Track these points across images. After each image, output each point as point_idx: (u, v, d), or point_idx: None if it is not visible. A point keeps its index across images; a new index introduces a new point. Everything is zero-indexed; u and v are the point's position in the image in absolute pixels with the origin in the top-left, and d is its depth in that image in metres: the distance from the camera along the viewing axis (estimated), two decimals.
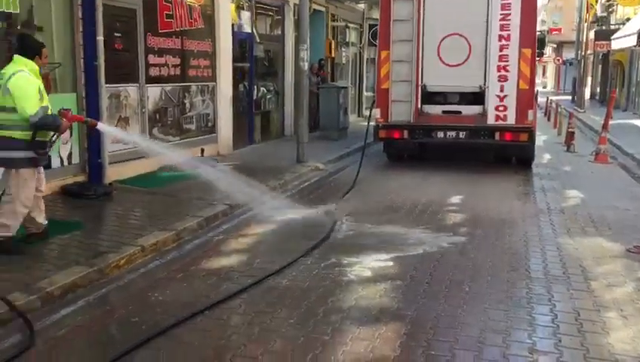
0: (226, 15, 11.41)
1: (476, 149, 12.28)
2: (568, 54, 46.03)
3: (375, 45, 21.52)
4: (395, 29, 10.54)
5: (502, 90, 10.26)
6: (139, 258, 5.60)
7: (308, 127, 11.18)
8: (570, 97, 35.15)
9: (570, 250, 5.98)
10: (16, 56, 5.24)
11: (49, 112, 5.29)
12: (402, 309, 4.46)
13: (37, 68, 5.25)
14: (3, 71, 5.21)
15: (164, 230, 6.28)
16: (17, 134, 5.12)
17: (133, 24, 8.95)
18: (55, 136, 5.47)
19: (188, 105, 10.49)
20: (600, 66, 35.87)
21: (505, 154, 11.40)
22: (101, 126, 6.56)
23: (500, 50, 10.21)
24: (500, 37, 10.20)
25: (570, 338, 3.98)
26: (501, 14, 10.16)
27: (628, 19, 24.15)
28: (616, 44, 20.88)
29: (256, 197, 8.09)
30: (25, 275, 4.81)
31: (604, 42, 24.78)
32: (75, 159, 7.93)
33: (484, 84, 10.32)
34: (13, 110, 5.06)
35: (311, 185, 9.43)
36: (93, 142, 7.90)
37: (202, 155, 10.29)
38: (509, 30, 10.15)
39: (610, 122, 15.00)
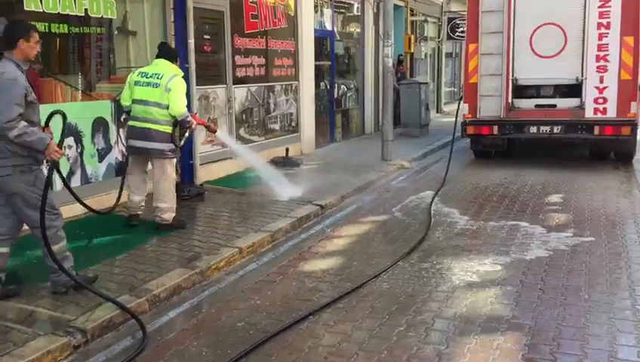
0: (309, 13, 11.36)
1: (568, 145, 11.71)
2: None
3: (454, 39, 21.24)
4: (484, 20, 10.13)
5: (601, 82, 9.67)
6: (237, 260, 5.58)
7: (385, 124, 10.93)
8: None
9: None
10: (163, 61, 6.14)
11: None
12: (518, 318, 4.19)
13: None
14: (156, 71, 6.03)
15: (259, 231, 6.25)
16: (170, 129, 6.04)
17: (221, 26, 9.02)
18: (189, 133, 6.37)
19: (272, 104, 10.50)
20: None
21: (602, 149, 10.76)
22: (220, 133, 7.32)
23: (599, 39, 9.62)
24: (599, 25, 9.60)
25: None
26: (600, 1, 9.56)
27: None
28: None
29: (346, 197, 8.02)
30: (129, 277, 4.87)
31: None
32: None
33: (582, 76, 9.75)
34: (167, 107, 5.94)
35: (399, 184, 9.21)
36: (185, 144, 7.97)
37: (287, 155, 10.27)
38: (608, 17, 9.54)
39: None
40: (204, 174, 8.32)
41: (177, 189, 7.54)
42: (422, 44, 19.35)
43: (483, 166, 10.60)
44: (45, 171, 4.40)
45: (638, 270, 5.10)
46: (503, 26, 10.00)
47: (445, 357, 3.66)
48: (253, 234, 6.13)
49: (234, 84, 9.30)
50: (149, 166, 6.30)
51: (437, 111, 20.30)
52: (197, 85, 8.05)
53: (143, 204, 6.38)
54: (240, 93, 9.52)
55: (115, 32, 7.39)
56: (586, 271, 5.16)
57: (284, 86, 10.83)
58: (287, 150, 10.30)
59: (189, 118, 6.12)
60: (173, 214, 6.22)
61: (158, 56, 6.24)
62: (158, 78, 5.96)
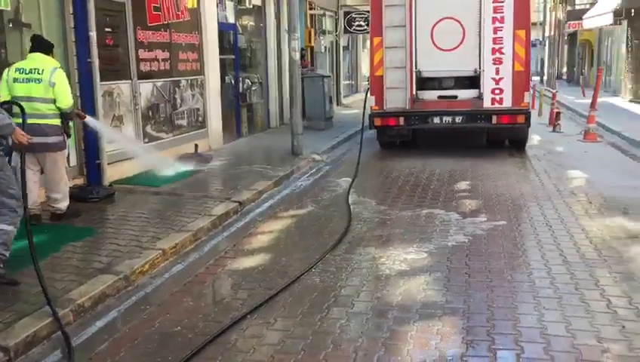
0: (211, 6, 11.10)
1: (467, 133, 12.29)
2: (533, 35, 46.56)
3: (351, 32, 21.62)
4: (387, 14, 10.39)
5: (497, 73, 10.23)
6: (161, 262, 5.37)
7: (294, 117, 10.91)
8: (538, 78, 35.60)
9: (596, 232, 5.94)
10: (39, 54, 5.94)
11: None
12: (452, 302, 4.34)
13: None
14: (35, 66, 5.84)
15: (180, 231, 6.05)
16: (58, 122, 6.00)
17: (123, 18, 8.61)
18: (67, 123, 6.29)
19: (179, 100, 10.19)
20: (566, 46, 36.43)
21: (499, 137, 11.38)
22: (89, 120, 7.01)
23: (494, 33, 10.16)
24: (494, 19, 10.14)
25: (633, 323, 3.92)
26: None
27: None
28: (589, 23, 21.13)
29: (263, 193, 7.94)
30: (49, 287, 4.52)
31: (575, 22, 25.08)
32: (72, 161, 7.58)
33: (480, 68, 10.26)
34: (53, 101, 5.88)
35: (313, 177, 9.25)
36: (90, 142, 7.56)
37: (196, 151, 10.02)
38: (502, 12, 10.10)
39: (590, 100, 15.20)
40: (112, 174, 7.92)
41: (84, 191, 7.22)
42: (321, 37, 19.51)
43: (391, 156, 10.88)
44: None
45: (550, 250, 5.44)
46: (406, 20, 10.30)
47: (391, 346, 3.71)
48: (174, 235, 5.92)
49: (139, 79, 8.92)
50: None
51: (337, 104, 20.58)
52: (100, 81, 7.64)
53: (38, 203, 6.20)
54: (145, 88, 9.14)
55: (10, 25, 6.83)
56: (505, 253, 5.44)
57: (189, 80, 10.53)
58: (196, 146, 10.06)
59: (74, 110, 6.26)
60: (67, 203, 6.29)
61: (32, 50, 6.00)
62: (38, 73, 5.82)
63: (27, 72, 5.81)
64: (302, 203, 7.60)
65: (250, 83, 13.79)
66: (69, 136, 6.32)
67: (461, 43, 10.30)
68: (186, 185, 8.10)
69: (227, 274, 5.14)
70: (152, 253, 5.36)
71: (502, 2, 10.09)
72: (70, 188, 7.19)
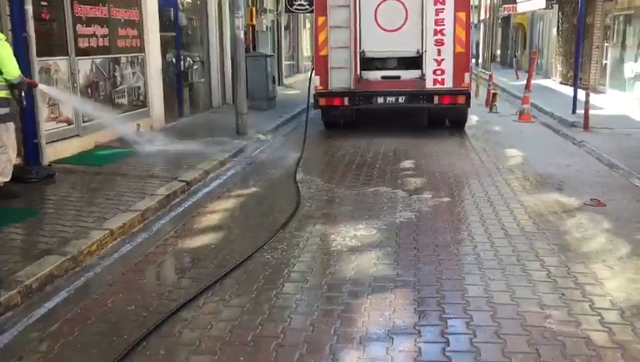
0: None
1: (409, 113, 12.52)
2: None
3: (292, 12, 21.47)
4: None
5: (439, 54, 10.45)
6: (109, 242, 5.28)
7: (238, 96, 10.81)
8: (473, 60, 36.45)
9: (534, 207, 6.23)
10: None
11: None
12: (403, 276, 4.47)
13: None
14: None
15: (127, 211, 5.94)
16: (3, 93, 5.98)
17: None
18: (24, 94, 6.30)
19: (119, 78, 9.90)
20: (500, 29, 37.41)
21: (440, 117, 11.66)
22: (43, 87, 7.08)
23: (436, 15, 10.36)
24: (436, 1, 10.33)
25: (571, 291, 4.16)
26: None
27: None
28: (523, 7, 21.80)
29: (210, 172, 7.89)
30: None
31: (510, 5, 25.81)
32: None
33: (422, 49, 10.46)
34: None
35: (260, 156, 9.24)
36: (28, 120, 7.27)
37: (138, 130, 9.80)
38: None
39: (523, 83, 15.74)
40: (51, 153, 7.63)
41: (22, 172, 6.96)
42: (262, 16, 19.31)
43: (335, 136, 10.97)
44: None
45: (492, 224, 5.67)
46: (350, 0, 10.34)
47: (347, 319, 3.81)
48: (121, 215, 5.81)
49: (77, 55, 8.61)
50: None
51: (279, 84, 20.49)
52: (37, 57, 7.33)
53: None
54: (84, 65, 8.84)
55: None
56: (450, 228, 5.64)
57: (129, 58, 10.23)
58: (138, 126, 9.84)
59: (23, 80, 6.20)
60: (5, 179, 6.15)
61: None
62: None
63: None
64: (249, 182, 7.60)
65: (191, 62, 13.55)
66: (22, 107, 6.26)
67: (404, 24, 10.45)
68: (130, 165, 7.95)
69: (178, 254, 5.11)
70: (100, 234, 5.26)
71: None
72: None
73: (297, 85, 21.81)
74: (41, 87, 7.06)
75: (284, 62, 22.46)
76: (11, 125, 6.20)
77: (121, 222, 5.62)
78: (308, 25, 26.80)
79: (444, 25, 10.37)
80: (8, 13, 7.10)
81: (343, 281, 4.39)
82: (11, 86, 6.05)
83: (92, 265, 4.83)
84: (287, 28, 23.45)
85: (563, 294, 4.10)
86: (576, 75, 13.76)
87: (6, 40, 6.06)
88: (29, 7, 7.09)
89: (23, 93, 6.26)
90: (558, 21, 22.00)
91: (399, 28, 10.45)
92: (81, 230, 5.31)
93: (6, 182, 6.18)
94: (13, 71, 6.00)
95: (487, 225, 5.64)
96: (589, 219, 5.83)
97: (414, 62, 10.59)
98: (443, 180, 7.51)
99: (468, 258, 4.83)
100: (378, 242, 5.24)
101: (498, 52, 38.15)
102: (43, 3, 7.94)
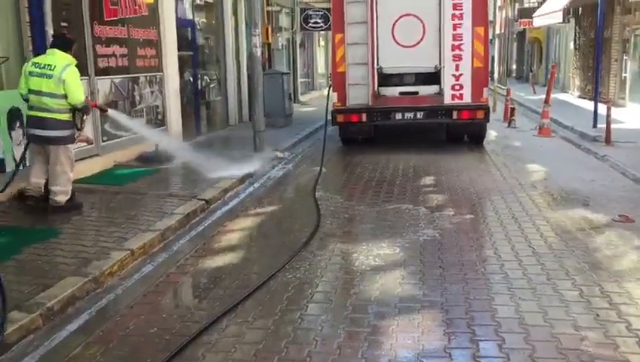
0: (170, 1, 10.87)
1: (427, 129, 12.44)
2: None
3: (307, 30, 21.59)
4: (349, 11, 10.40)
5: (457, 70, 10.37)
6: (129, 263, 5.22)
7: (256, 115, 10.78)
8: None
9: (560, 224, 6.09)
10: (56, 50, 6.21)
11: None
12: (429, 296, 4.36)
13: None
14: (49, 62, 6.10)
15: (147, 231, 5.90)
16: (65, 116, 6.22)
17: (79, 13, 8.33)
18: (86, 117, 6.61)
19: (137, 97, 9.93)
20: (515, 44, 37.32)
21: (458, 132, 11.55)
22: (112, 112, 7.67)
23: (454, 30, 10.30)
24: (454, 16, 10.27)
25: (606, 311, 4.02)
26: None
27: None
28: (539, 21, 21.70)
29: (229, 190, 7.84)
30: (14, 291, 4.33)
31: (526, 20, 25.72)
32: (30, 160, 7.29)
33: (440, 64, 10.39)
34: (64, 97, 6.10)
35: (278, 174, 9.18)
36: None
37: (157, 150, 9.80)
38: (461, 9, 10.24)
39: (540, 97, 15.61)
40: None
41: (45, 191, 6.96)
42: (278, 35, 19.41)
43: (353, 152, 10.90)
44: None
45: (519, 242, 5.54)
46: (367, 17, 10.33)
47: (374, 342, 3.70)
48: (142, 235, 5.76)
49: (96, 75, 8.64)
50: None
51: (294, 101, 20.52)
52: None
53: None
54: (103, 85, 8.87)
55: None
56: (475, 246, 5.52)
57: (148, 77, 10.28)
58: (156, 145, 9.82)
59: (88, 104, 6.46)
60: (67, 197, 6.41)
61: (51, 46, 6.35)
62: (50, 69, 6.07)
63: (41, 66, 6.09)
64: (269, 200, 7.54)
65: (208, 80, 13.61)
66: (79, 129, 6.48)
67: (421, 40, 10.41)
68: (149, 184, 7.93)
69: (199, 274, 5.04)
70: (120, 254, 5.21)
71: (461, 0, 10.23)
72: (27, 188, 6.95)
73: (313, 102, 21.84)
74: (112, 113, 7.65)
75: (300, 80, 22.51)
76: (71, 146, 6.44)
77: (142, 242, 5.57)
78: (322, 42, 26.91)
79: (462, 40, 10.30)
80: (29, 35, 7.16)
81: (368, 302, 4.28)
82: (75, 109, 6.25)
83: (113, 286, 4.77)
84: (302, 45, 23.55)
85: (597, 315, 3.97)
86: (596, 89, 13.59)
87: (75, 65, 6.25)
88: (50, 29, 7.17)
89: (84, 117, 6.49)
90: (575, 35, 21.87)
91: (417, 44, 10.41)
92: (101, 250, 5.27)
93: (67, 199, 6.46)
94: (79, 96, 6.18)
95: (514, 243, 5.51)
96: (618, 235, 5.68)
97: (432, 77, 10.53)
98: (465, 196, 7.39)
99: (496, 277, 4.71)
100: (402, 261, 5.13)
101: (514, 66, 38.03)
102: (63, 24, 7.99)
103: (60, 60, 6.13)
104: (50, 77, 6.06)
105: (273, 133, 12.72)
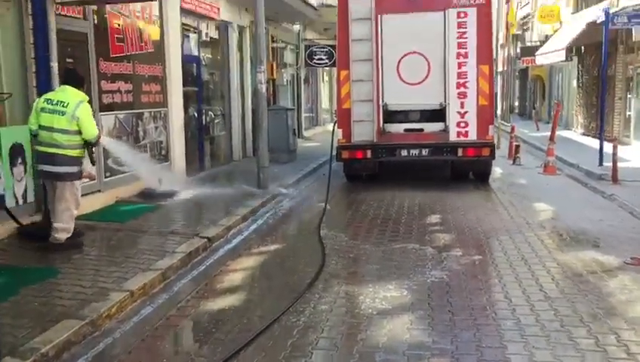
0: (175, 38, 10.93)
1: (431, 165, 12.36)
2: None
3: (311, 65, 21.74)
4: (354, 48, 10.43)
5: (462, 107, 10.34)
6: (128, 304, 5.07)
7: (260, 150, 10.71)
8: None
9: (571, 266, 5.94)
10: (68, 87, 6.26)
11: None
12: (439, 343, 4.20)
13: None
14: (61, 99, 6.13)
15: (147, 270, 5.76)
16: (74, 152, 6.19)
17: (85, 49, 8.33)
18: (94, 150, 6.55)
19: (141, 133, 9.89)
20: (517, 81, 37.53)
21: (463, 169, 11.46)
22: (105, 140, 7.36)
23: (459, 68, 10.30)
24: (458, 54, 10.29)
25: None
26: (458, 32, 10.26)
27: (546, 37, 25.39)
28: (542, 59, 21.83)
29: (232, 228, 7.72)
30: (7, 335, 4.20)
31: (529, 58, 25.89)
32: (31, 197, 7.19)
33: (445, 102, 10.36)
34: (77, 133, 6.11)
35: (281, 211, 9.06)
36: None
37: (160, 185, 9.71)
38: (466, 48, 10.26)
39: (544, 134, 15.52)
40: None
41: (41, 229, 6.85)
42: (282, 70, 19.53)
43: (358, 189, 10.80)
44: None
45: (530, 285, 5.38)
46: (372, 54, 10.35)
47: None
48: (142, 274, 5.62)
49: (101, 111, 8.59)
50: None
51: (298, 137, 20.52)
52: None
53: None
54: (108, 121, 8.83)
55: None
56: (485, 289, 5.37)
57: (152, 113, 10.26)
58: (160, 180, 9.74)
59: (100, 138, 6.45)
60: (68, 235, 6.30)
61: (63, 82, 6.43)
62: (63, 105, 6.10)
63: (54, 103, 6.11)
64: (272, 238, 7.40)
65: (213, 115, 13.61)
66: (93, 163, 6.59)
67: (426, 77, 10.40)
68: (150, 221, 7.81)
69: (200, 316, 4.89)
70: (120, 295, 5.06)
71: (465, 38, 10.26)
72: (26, 225, 6.85)
73: (317, 137, 21.85)
74: (105, 140, 7.43)
75: (304, 115, 22.57)
76: (78, 183, 6.37)
77: (142, 282, 5.42)
78: (326, 78, 27.07)
79: (467, 78, 10.29)
80: (34, 70, 7.14)
81: (375, 349, 4.12)
82: (86, 144, 6.25)
83: (111, 329, 4.62)
84: (306, 81, 23.68)
85: None
86: (601, 127, 13.55)
87: (88, 101, 6.30)
88: (55, 65, 7.13)
89: (94, 151, 6.52)
90: (578, 73, 21.97)
91: (422, 81, 10.40)
92: (100, 291, 5.12)
93: (71, 236, 6.36)
94: (93, 131, 6.18)
95: (524, 286, 5.35)
96: (631, 279, 5.52)
97: (437, 114, 10.49)
98: (472, 236, 7.25)
99: (507, 323, 4.54)
100: (410, 304, 4.98)
101: (516, 103, 38.19)
102: (69, 60, 7.99)
103: (72, 97, 6.17)
104: (62, 113, 6.07)
105: (277, 168, 12.65)
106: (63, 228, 6.26)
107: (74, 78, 6.48)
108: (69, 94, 6.20)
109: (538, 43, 27.19)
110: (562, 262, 6.08)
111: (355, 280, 5.68)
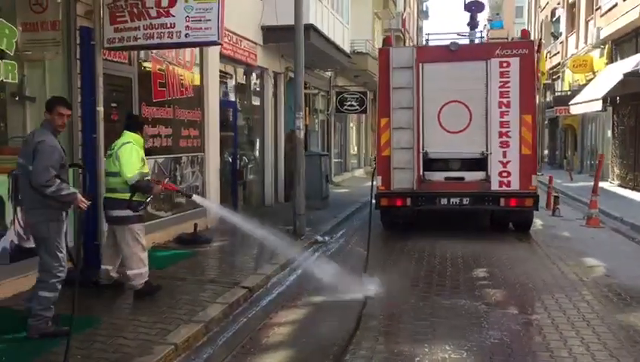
0: (214, 83, 10.98)
1: (470, 214, 12.05)
2: None
3: (342, 112, 21.79)
4: (395, 96, 10.33)
5: (505, 156, 10.12)
6: (173, 359, 4.85)
7: (297, 196, 10.54)
8: None
9: (637, 329, 5.57)
10: (126, 132, 6.33)
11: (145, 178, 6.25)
12: None
13: (142, 140, 6.46)
14: (116, 143, 6.26)
15: (190, 322, 5.54)
16: (125, 196, 6.08)
17: (129, 93, 8.38)
18: (150, 198, 6.35)
19: (179, 177, 9.83)
20: (547, 130, 37.19)
21: (503, 219, 11.16)
22: (196, 198, 7.48)
23: (501, 117, 10.13)
24: (500, 103, 10.13)
25: None
26: (500, 81, 10.13)
27: (579, 86, 25.17)
28: (577, 109, 21.58)
29: (271, 277, 7.50)
30: None
31: (563, 107, 25.65)
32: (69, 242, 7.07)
33: (487, 150, 10.15)
34: (118, 174, 6.08)
35: (320, 260, 8.79)
36: (89, 222, 7.08)
37: (195, 230, 9.58)
38: (508, 97, 10.11)
39: (578, 185, 15.10)
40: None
41: (84, 277, 6.68)
42: (314, 116, 19.57)
43: (395, 237, 10.53)
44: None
45: (598, 349, 5.03)
46: (413, 102, 10.24)
47: None
48: (185, 326, 5.40)
49: None
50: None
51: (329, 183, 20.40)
52: (104, 156, 7.27)
53: (113, 274, 6.45)
54: (147, 165, 8.75)
55: (16, 98, 6.52)
56: (551, 353, 5.02)
57: (190, 157, 10.21)
58: (195, 226, 9.62)
59: (144, 184, 6.16)
60: (143, 280, 6.24)
61: (124, 128, 6.49)
62: (113, 148, 6.24)
63: (111, 148, 6.29)
64: (314, 289, 7.12)
65: (247, 160, 13.55)
66: (145, 207, 6.39)
67: (468, 126, 10.24)
68: (188, 268, 7.64)
69: None
70: (164, 349, 4.84)
71: (508, 88, 10.12)
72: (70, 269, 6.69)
73: (346, 183, 21.73)
74: (196, 198, 7.47)
75: (334, 160, 22.50)
76: (136, 227, 6.20)
77: (186, 335, 5.20)
78: (352, 124, 27.04)
79: (509, 127, 10.10)
80: (80, 115, 7.12)
81: None
82: (133, 188, 6.09)
83: None
84: (336, 127, 23.70)
85: None
86: None
87: (133, 143, 6.20)
88: (101, 109, 7.12)
89: (148, 198, 6.30)
90: (613, 123, 21.62)
91: (463, 129, 10.24)
92: (143, 344, 4.91)
93: (146, 281, 6.29)
94: (126, 171, 6.05)
95: (592, 351, 5.00)
96: None
97: (479, 163, 10.27)
98: (525, 293, 6.92)
99: None
100: None
101: (545, 152, 37.75)
102: (113, 105, 8.00)
103: (122, 139, 6.26)
104: (110, 156, 6.22)
105: (311, 215, 12.42)
106: (134, 274, 6.19)
107: (129, 122, 6.59)
108: (123, 138, 6.28)
109: (569, 92, 26.95)
110: (626, 324, 5.72)
111: (406, 338, 5.38)
